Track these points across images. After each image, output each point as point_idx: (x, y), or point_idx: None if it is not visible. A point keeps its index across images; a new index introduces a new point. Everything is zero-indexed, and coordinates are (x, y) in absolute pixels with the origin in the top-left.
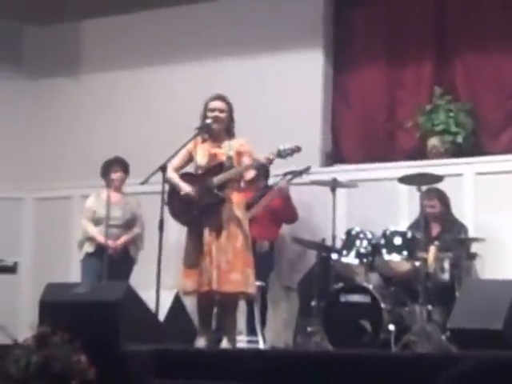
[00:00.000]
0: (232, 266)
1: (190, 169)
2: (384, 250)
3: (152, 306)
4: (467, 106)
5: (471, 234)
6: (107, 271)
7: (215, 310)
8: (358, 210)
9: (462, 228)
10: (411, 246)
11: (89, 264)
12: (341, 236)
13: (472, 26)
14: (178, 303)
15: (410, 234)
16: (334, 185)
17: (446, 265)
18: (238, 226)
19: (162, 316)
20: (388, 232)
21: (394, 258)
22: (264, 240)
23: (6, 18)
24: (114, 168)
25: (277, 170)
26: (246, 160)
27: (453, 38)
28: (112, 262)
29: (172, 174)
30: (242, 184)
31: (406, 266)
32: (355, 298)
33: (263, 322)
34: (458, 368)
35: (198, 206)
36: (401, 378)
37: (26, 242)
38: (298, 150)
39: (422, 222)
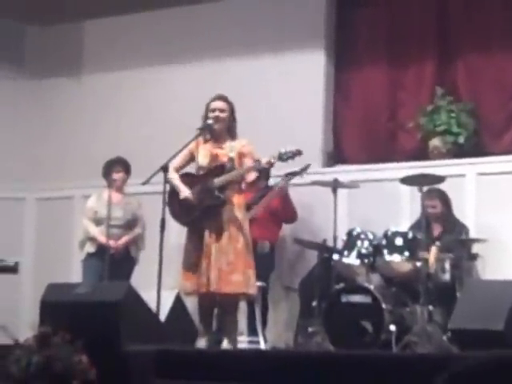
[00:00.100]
0: (233, 267)
1: (191, 169)
2: (385, 251)
3: (153, 306)
4: (469, 107)
5: (472, 234)
6: (108, 271)
7: (216, 311)
8: (359, 211)
9: (463, 228)
10: (412, 247)
11: (90, 264)
12: (342, 236)
13: (474, 27)
14: (179, 303)
15: (411, 235)
16: (335, 185)
17: (447, 265)
18: (238, 228)
19: (163, 316)
20: (389, 232)
21: (395, 258)
22: (265, 241)
23: (9, 18)
24: (116, 168)
25: (277, 171)
26: (248, 161)
27: (454, 39)
28: (113, 262)
29: (173, 175)
30: (243, 185)
31: (407, 267)
32: (356, 298)
33: (264, 323)
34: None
35: (199, 207)
36: (402, 379)
37: (28, 242)
38: (299, 153)
39: (423, 223)
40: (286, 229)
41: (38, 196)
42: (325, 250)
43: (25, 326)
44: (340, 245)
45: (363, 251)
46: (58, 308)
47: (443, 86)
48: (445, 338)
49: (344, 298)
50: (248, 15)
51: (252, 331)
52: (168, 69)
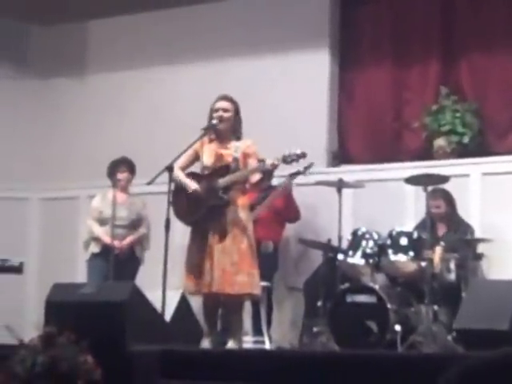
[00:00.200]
0: (237, 268)
1: (195, 168)
2: (390, 251)
3: (158, 306)
4: (474, 106)
5: (477, 234)
6: (113, 271)
7: (221, 311)
8: (364, 211)
9: (468, 228)
10: (417, 247)
11: (95, 264)
12: (347, 236)
13: (479, 26)
14: (184, 303)
15: (416, 235)
16: (340, 185)
17: (452, 265)
18: (242, 228)
19: (168, 316)
20: (394, 232)
21: (400, 258)
22: (268, 241)
23: (12, 18)
24: (121, 168)
25: (281, 171)
26: (252, 162)
27: (459, 38)
28: (118, 263)
29: (179, 173)
30: (247, 186)
31: (412, 267)
32: (361, 298)
33: (269, 323)
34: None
35: (203, 206)
36: (407, 379)
37: (32, 242)
38: (303, 155)
39: (428, 223)
40: (291, 229)
41: (43, 196)
42: (330, 249)
43: (30, 326)
44: (345, 245)
45: (368, 251)
46: (62, 308)
47: (448, 86)
48: (450, 337)
49: (349, 298)
50: (251, 15)
51: (257, 331)
52: (172, 69)
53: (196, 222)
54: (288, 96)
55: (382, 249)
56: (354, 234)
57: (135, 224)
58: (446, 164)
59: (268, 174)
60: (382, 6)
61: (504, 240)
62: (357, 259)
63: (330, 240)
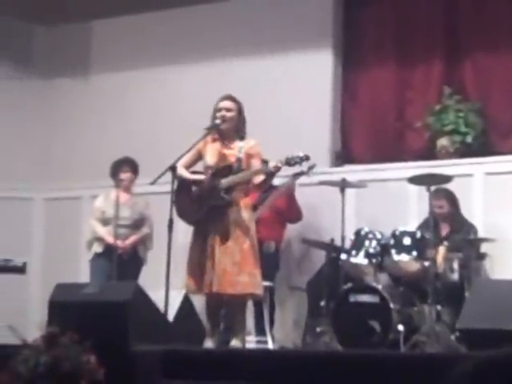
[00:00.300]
0: (239, 268)
1: (197, 168)
2: (393, 250)
3: (161, 306)
4: (477, 106)
5: (481, 234)
6: (116, 271)
7: (224, 311)
8: (367, 210)
9: (471, 228)
10: (420, 246)
11: (97, 264)
12: (350, 236)
13: (482, 26)
14: (187, 303)
15: (419, 234)
16: (343, 185)
17: (456, 265)
18: (245, 228)
19: (171, 316)
20: (397, 232)
21: (403, 258)
22: (271, 241)
23: (17, 19)
24: (124, 168)
25: (284, 171)
26: (256, 163)
27: (462, 38)
28: (121, 263)
29: (182, 171)
30: (250, 186)
31: (415, 266)
32: (364, 298)
33: (271, 322)
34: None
35: (205, 205)
36: (410, 378)
37: (36, 243)
38: (306, 158)
39: (431, 223)
40: (294, 229)
41: (46, 196)
42: (333, 249)
43: (33, 326)
44: (348, 244)
45: (371, 251)
46: (66, 308)
47: (451, 86)
48: (453, 337)
49: (352, 298)
50: (254, 15)
51: (260, 331)
52: (175, 69)
53: (198, 222)
54: (291, 96)
55: (385, 248)
56: (357, 233)
57: (138, 224)
58: (449, 164)
59: (270, 175)
60: (385, 6)
61: (507, 240)
62: (360, 259)
63: (332, 240)
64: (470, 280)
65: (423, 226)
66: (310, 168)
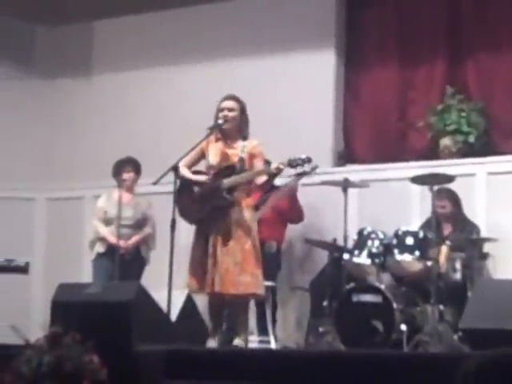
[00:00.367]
0: (241, 268)
1: (200, 166)
2: (396, 250)
3: (164, 306)
4: (479, 106)
5: (483, 233)
6: (118, 271)
7: (226, 311)
8: (369, 210)
9: (473, 228)
10: (423, 246)
11: (100, 264)
12: (352, 236)
13: (484, 26)
14: (189, 303)
15: (421, 234)
16: (345, 185)
17: (458, 265)
18: (247, 229)
19: (173, 316)
20: (400, 232)
21: (406, 257)
22: (272, 241)
23: (19, 19)
24: (126, 168)
25: (287, 171)
26: (258, 163)
27: (465, 38)
28: (123, 262)
29: (185, 171)
30: (252, 186)
31: (417, 266)
32: (367, 297)
33: (273, 322)
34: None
35: (207, 205)
36: (413, 378)
37: (38, 242)
38: (308, 160)
39: (433, 222)
40: (297, 229)
41: (48, 196)
42: (335, 249)
43: (36, 326)
44: (350, 244)
45: (374, 251)
46: (68, 308)
47: (453, 85)
48: (456, 337)
49: (355, 298)
50: (257, 15)
51: (262, 331)
52: (178, 69)
53: (200, 222)
54: (294, 96)
55: (387, 248)
56: (360, 233)
57: (140, 224)
58: (452, 163)
59: (272, 176)
60: (388, 6)
61: (510, 239)
62: (362, 259)
63: (335, 240)
64: (472, 280)
65: (426, 226)
66: (313, 169)
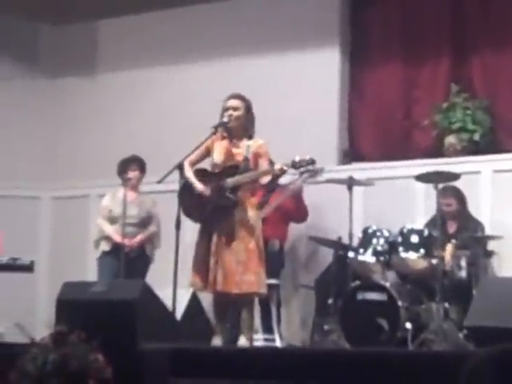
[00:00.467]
0: (245, 267)
1: (205, 164)
2: (401, 248)
3: (169, 304)
4: (484, 104)
5: (488, 231)
6: (123, 270)
7: (232, 309)
8: (374, 208)
9: (478, 226)
10: (428, 244)
11: (105, 262)
12: (357, 234)
13: (489, 23)
14: (194, 302)
15: (426, 232)
16: (350, 183)
17: (463, 263)
18: (250, 228)
19: (178, 314)
20: (405, 230)
21: (411, 255)
22: (275, 239)
23: (23, 18)
24: (132, 167)
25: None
26: (263, 163)
27: (470, 35)
28: (128, 261)
29: (188, 173)
30: (256, 185)
31: (422, 264)
32: (372, 296)
33: (278, 320)
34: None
35: (210, 205)
36: (418, 377)
37: (43, 241)
38: (312, 162)
39: (438, 220)
40: (301, 227)
41: (53, 195)
42: (340, 247)
43: (41, 324)
44: (355, 242)
45: (379, 249)
46: (73, 306)
47: (458, 83)
48: (461, 335)
49: (360, 296)
50: (260, 13)
51: (267, 329)
52: (182, 68)
53: (204, 221)
54: (298, 95)
55: (392, 246)
56: (365, 231)
57: (145, 222)
58: (457, 161)
59: (276, 177)
60: (392, 4)
61: None
62: (367, 257)
63: (340, 238)
64: (477, 278)
65: (431, 224)
66: (320, 171)
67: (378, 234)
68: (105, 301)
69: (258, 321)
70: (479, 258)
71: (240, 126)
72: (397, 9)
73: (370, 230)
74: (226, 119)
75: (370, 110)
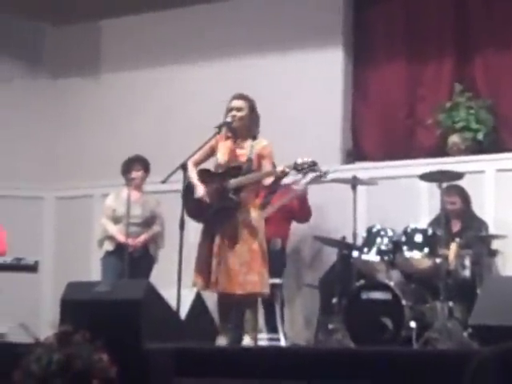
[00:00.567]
0: (248, 268)
1: (209, 164)
2: (405, 247)
3: (173, 304)
4: (488, 103)
5: (492, 230)
6: (127, 269)
7: (236, 309)
8: (378, 208)
9: (482, 225)
10: (432, 243)
11: (109, 262)
12: (361, 233)
13: (492, 22)
14: (199, 301)
15: (430, 231)
16: (354, 182)
17: (467, 262)
18: (253, 229)
19: (183, 314)
20: (409, 229)
21: (415, 255)
22: (277, 238)
23: (26, 18)
24: (136, 166)
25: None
26: (267, 164)
27: (473, 35)
28: (132, 261)
29: (192, 174)
30: (259, 186)
31: (426, 263)
32: (376, 295)
33: (282, 320)
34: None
35: (213, 206)
36: (422, 375)
37: (47, 241)
38: (314, 164)
39: (442, 219)
40: (306, 227)
41: (57, 195)
42: (344, 247)
43: (45, 324)
44: (360, 242)
45: (383, 248)
46: (78, 306)
47: (462, 83)
48: (465, 334)
49: (364, 295)
50: (265, 13)
51: (271, 329)
52: (185, 68)
53: (207, 221)
54: (302, 94)
55: (396, 245)
56: (369, 231)
57: (149, 222)
58: (460, 161)
59: (278, 179)
60: (396, 3)
61: None
62: (372, 256)
63: (344, 237)
64: (481, 276)
65: (434, 223)
66: (325, 174)
67: (382, 233)
68: (109, 301)
69: (261, 321)
70: (483, 257)
71: (244, 127)
72: (400, 8)
73: (374, 230)
74: (229, 119)
75: (373, 110)
